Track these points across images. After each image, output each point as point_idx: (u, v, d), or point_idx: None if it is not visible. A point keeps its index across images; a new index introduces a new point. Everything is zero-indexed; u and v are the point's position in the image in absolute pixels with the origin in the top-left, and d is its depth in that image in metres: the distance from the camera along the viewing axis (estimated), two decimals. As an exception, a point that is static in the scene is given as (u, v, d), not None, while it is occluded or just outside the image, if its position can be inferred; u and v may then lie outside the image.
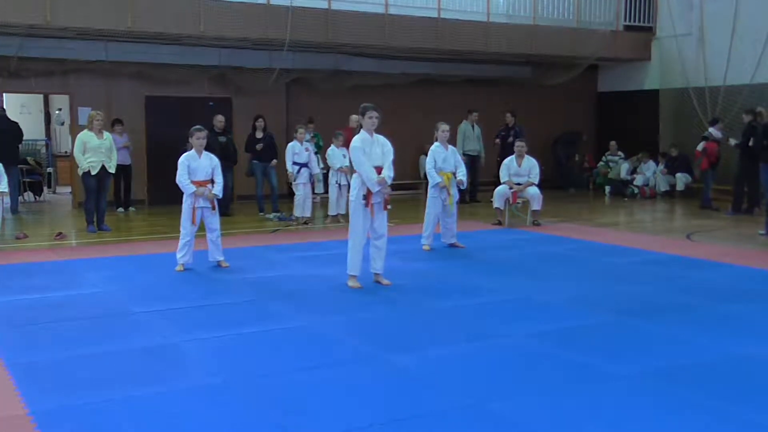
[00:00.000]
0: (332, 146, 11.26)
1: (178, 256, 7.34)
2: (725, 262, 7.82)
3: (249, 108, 13.24)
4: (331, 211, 11.14)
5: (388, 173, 6.47)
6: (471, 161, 13.74)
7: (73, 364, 4.43)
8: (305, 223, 10.92)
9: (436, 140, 8.77)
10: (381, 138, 6.55)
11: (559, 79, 15.78)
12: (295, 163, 10.94)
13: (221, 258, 7.53)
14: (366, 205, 6.41)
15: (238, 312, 5.71)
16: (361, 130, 6.51)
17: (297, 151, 11.00)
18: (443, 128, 8.79)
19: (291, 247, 8.81)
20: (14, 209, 12.08)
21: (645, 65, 16.21)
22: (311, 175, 11.15)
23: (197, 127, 7.53)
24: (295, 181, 10.94)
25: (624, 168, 15.39)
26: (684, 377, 4.20)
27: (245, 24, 12.06)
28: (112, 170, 10.20)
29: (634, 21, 15.97)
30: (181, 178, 7.31)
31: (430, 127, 15.12)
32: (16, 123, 12.52)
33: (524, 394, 3.96)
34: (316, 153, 13.55)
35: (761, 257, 8.19)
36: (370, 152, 6.42)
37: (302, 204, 10.95)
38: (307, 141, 11.44)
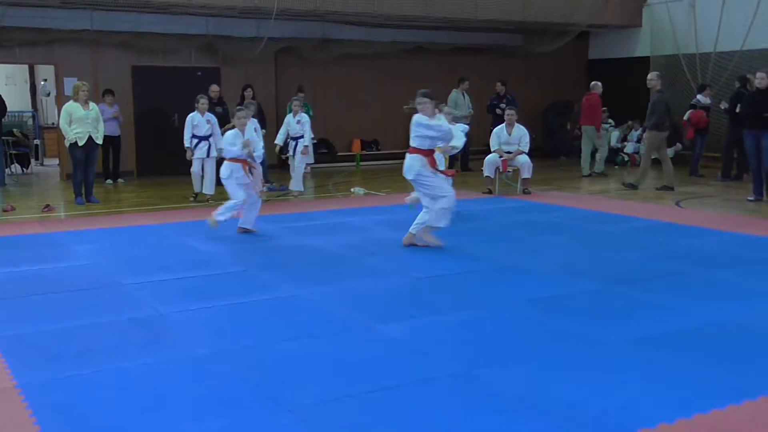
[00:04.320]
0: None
1: (225, 215, 7.46)
2: (714, 228, 7.85)
3: (237, 77, 13.13)
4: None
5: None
6: (462, 130, 13.70)
7: (62, 337, 4.42)
8: (195, 199, 10.21)
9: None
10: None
11: (550, 47, 15.68)
12: (194, 136, 10.05)
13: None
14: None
15: (228, 283, 5.70)
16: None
17: (197, 122, 10.07)
18: (446, 110, 8.71)
19: (280, 218, 8.79)
20: (1, 182, 11.99)
21: (636, 32, 16.12)
22: (210, 150, 10.14)
23: (240, 107, 7.79)
24: (192, 156, 10.09)
25: (614, 136, 15.38)
26: (670, 343, 4.23)
27: (232, -9, 11.89)
28: (100, 141, 10.12)
29: (625, -13, 15.85)
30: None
31: (419, 96, 15.13)
32: (-1, 95, 12.37)
33: (512, 361, 3.98)
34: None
35: (750, 223, 8.22)
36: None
37: (199, 180, 10.18)
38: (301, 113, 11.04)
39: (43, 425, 3.23)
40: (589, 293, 5.35)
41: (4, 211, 9.41)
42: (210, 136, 10.20)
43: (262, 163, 11.02)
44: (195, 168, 10.21)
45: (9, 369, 3.89)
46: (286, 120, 10.91)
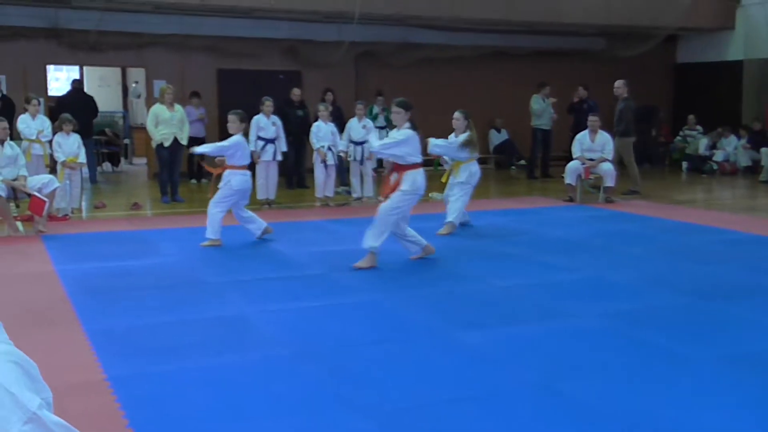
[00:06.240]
0: (319, 121, 10.23)
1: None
2: (811, 243, 7.45)
3: (318, 81, 13.28)
4: (318, 194, 10.20)
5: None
6: (543, 136, 13.49)
7: (149, 332, 4.55)
8: (269, 204, 9.95)
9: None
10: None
11: (635, 51, 15.23)
12: (260, 138, 9.91)
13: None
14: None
15: (308, 285, 5.75)
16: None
17: (263, 125, 9.95)
18: (455, 116, 8.25)
19: (358, 221, 8.79)
20: (93, 179, 12.51)
21: (728, 34, 15.49)
22: (275, 153, 10.11)
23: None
24: (259, 159, 9.85)
25: (703, 143, 14.82)
26: (764, 363, 4.02)
27: (315, -3, 12.06)
28: (185, 142, 10.40)
29: (718, -12, 15.26)
30: None
31: (499, 101, 15.02)
32: (91, 97, 12.89)
33: (595, 375, 3.86)
34: (385, 127, 13.54)
35: None
36: None
37: (264, 186, 9.98)
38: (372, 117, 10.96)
39: (131, 418, 3.32)
40: (676, 307, 5.14)
41: (96, 207, 9.81)
42: (276, 139, 10.15)
43: (340, 166, 11.16)
44: (260, 172, 9.93)
45: (99, 362, 4.03)
46: (348, 125, 10.61)
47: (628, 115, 11.23)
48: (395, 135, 6.38)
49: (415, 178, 6.26)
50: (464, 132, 8.12)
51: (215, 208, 7.18)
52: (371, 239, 6.22)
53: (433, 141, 8.00)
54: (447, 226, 7.91)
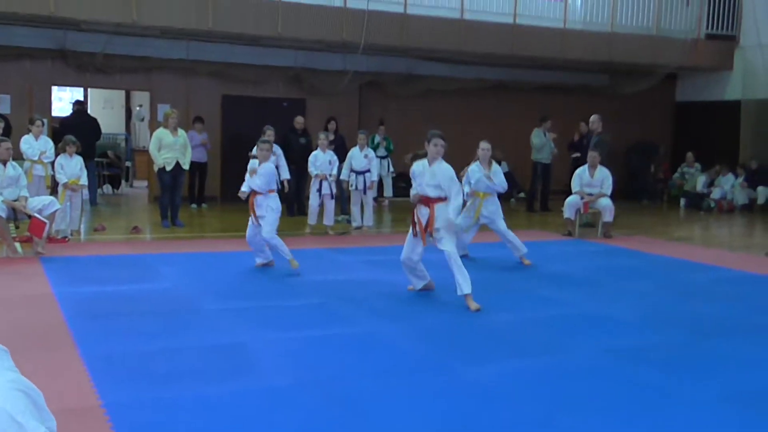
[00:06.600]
0: (317, 150, 10.27)
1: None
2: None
3: (322, 109, 13.39)
4: (310, 220, 10.26)
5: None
6: (543, 170, 13.56)
7: (146, 358, 4.54)
8: None
9: (477, 159, 8.31)
10: (438, 167, 6.25)
11: (636, 88, 15.41)
12: None
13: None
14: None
15: (307, 314, 5.75)
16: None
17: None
18: (483, 147, 8.31)
19: (358, 251, 8.85)
20: (93, 201, 12.54)
21: (727, 75, 15.68)
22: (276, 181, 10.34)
23: (264, 140, 7.77)
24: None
25: (701, 180, 14.93)
26: (763, 401, 4.02)
27: (322, 26, 12.21)
28: (186, 167, 10.45)
29: (717, 29, 15.46)
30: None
31: (500, 133, 15.11)
32: (95, 119, 12.97)
33: (594, 411, 3.86)
34: (386, 157, 13.63)
35: None
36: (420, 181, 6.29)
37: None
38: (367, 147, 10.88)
39: (127, 446, 3.32)
40: (674, 344, 5.15)
41: (96, 230, 9.81)
42: (276, 167, 10.19)
43: (341, 196, 11.17)
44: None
45: (95, 388, 4.02)
46: (350, 154, 10.61)
47: (605, 149, 11.08)
48: (447, 173, 6.19)
49: (447, 210, 6.18)
50: (489, 163, 8.22)
51: (276, 234, 7.45)
52: (463, 285, 6.09)
53: (481, 172, 8.09)
54: (524, 258, 8.14)
